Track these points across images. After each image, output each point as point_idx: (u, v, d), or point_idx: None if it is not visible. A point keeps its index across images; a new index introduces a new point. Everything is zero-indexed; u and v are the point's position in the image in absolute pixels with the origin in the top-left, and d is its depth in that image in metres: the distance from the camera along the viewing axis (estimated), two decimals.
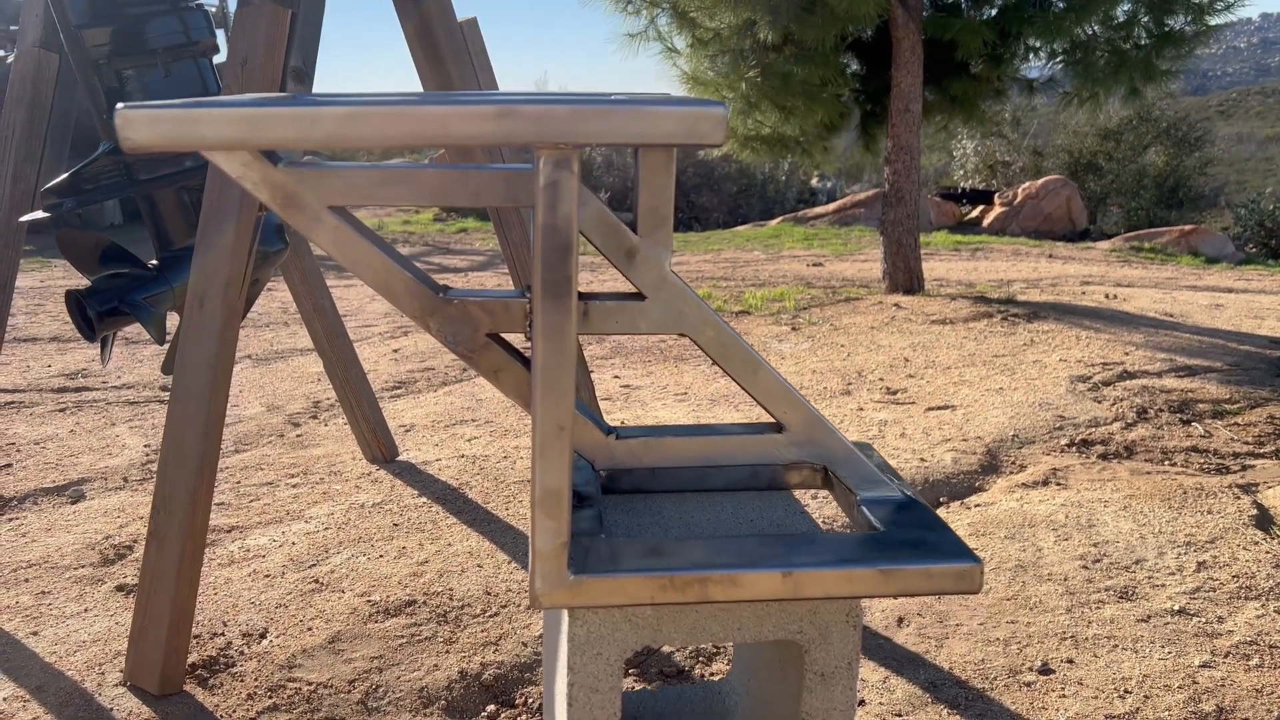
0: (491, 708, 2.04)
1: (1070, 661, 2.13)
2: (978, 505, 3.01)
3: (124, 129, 0.87)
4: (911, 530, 1.15)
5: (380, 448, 3.44)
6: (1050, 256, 10.09)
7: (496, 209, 2.65)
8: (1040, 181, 14.18)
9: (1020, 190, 14.04)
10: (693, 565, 1.06)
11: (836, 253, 10.00)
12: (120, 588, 2.52)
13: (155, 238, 2.56)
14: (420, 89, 2.48)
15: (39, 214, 2.45)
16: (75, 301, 2.44)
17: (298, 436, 3.78)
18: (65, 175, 2.45)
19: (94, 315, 2.42)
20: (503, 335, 1.15)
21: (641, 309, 1.15)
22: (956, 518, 2.91)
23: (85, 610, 2.40)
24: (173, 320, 2.55)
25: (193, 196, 2.55)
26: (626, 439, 1.23)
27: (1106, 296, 6.95)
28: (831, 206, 14.20)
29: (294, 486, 3.21)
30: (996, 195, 14.40)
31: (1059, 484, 3.15)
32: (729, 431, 1.26)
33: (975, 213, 14.16)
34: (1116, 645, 2.19)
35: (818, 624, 1.13)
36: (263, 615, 2.34)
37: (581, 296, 1.17)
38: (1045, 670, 2.10)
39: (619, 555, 1.07)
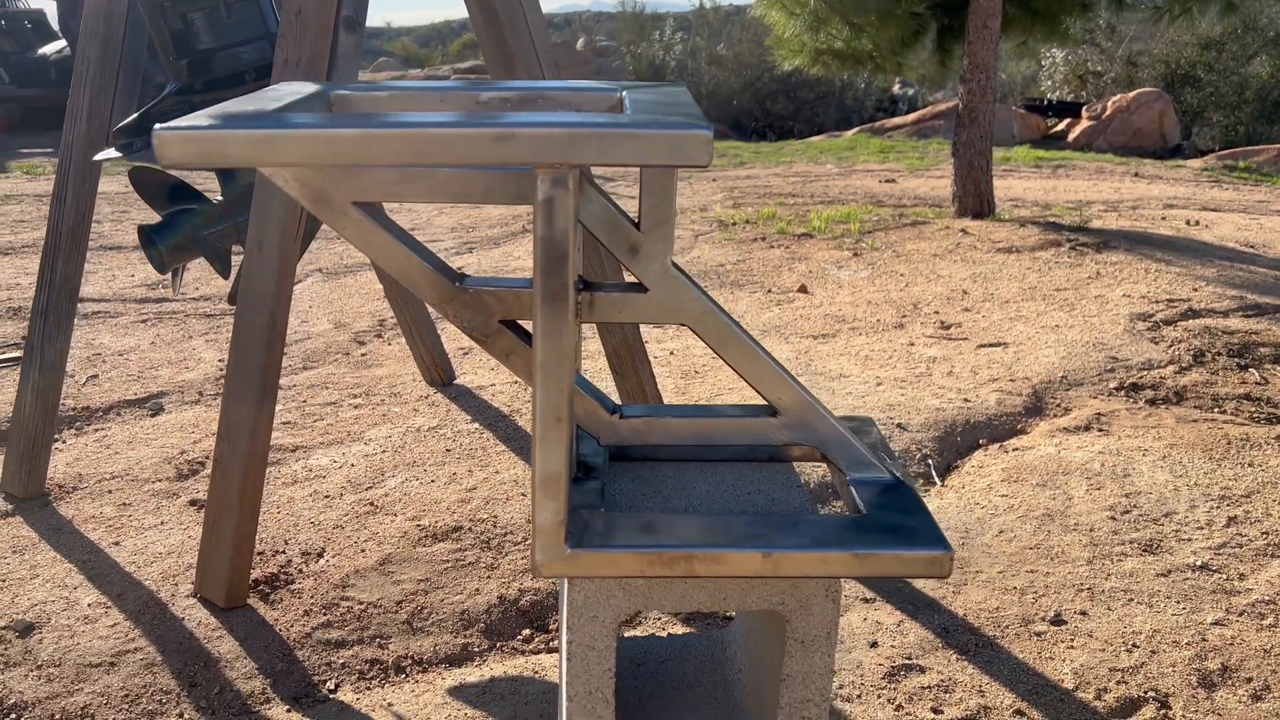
0: (527, 632, 2.19)
1: (1083, 613, 2.19)
2: (1015, 449, 3.04)
3: (160, 148, 0.96)
4: (893, 514, 1.22)
5: (438, 372, 3.58)
6: (1135, 175, 9.75)
7: None
8: (1132, 94, 13.58)
9: (1110, 103, 13.48)
10: (680, 543, 1.15)
11: (912, 168, 9.80)
12: (193, 502, 2.72)
13: (220, 175, 2.68)
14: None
15: (111, 152, 2.58)
16: (146, 235, 2.58)
17: (362, 355, 3.95)
18: (135, 115, 2.57)
19: (163, 249, 2.56)
20: (515, 320, 1.23)
21: (644, 300, 1.22)
22: (993, 461, 2.96)
23: (161, 523, 2.61)
24: (238, 254, 2.69)
25: None
26: (630, 418, 1.31)
27: (1187, 223, 6.74)
28: (911, 117, 13.82)
29: (356, 408, 3.38)
30: (1084, 108, 13.85)
31: (1101, 430, 3.16)
32: (725, 414, 1.33)
33: (1061, 126, 13.67)
34: (1132, 599, 2.24)
35: (799, 597, 1.22)
36: (321, 535, 2.52)
37: (588, 286, 1.25)
38: (1057, 621, 2.17)
39: (613, 531, 1.16)
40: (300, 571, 2.36)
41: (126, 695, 1.97)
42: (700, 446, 1.39)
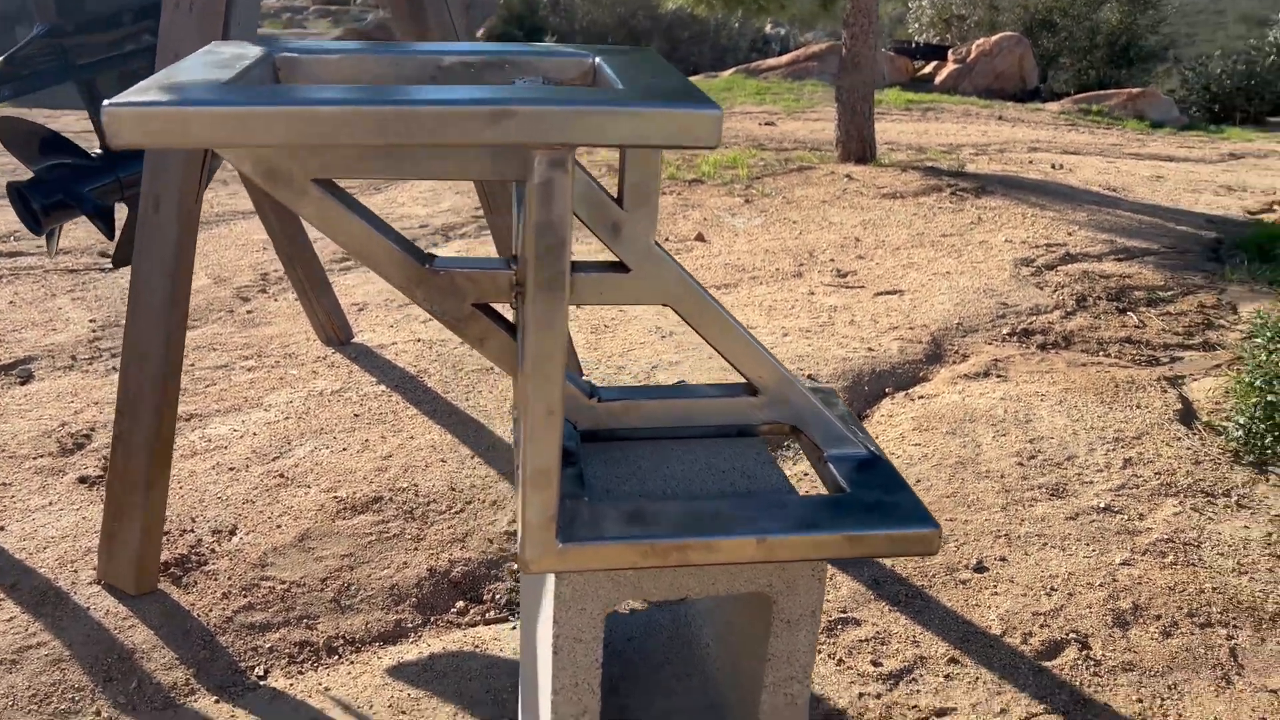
0: (461, 604, 2.14)
1: (1003, 560, 2.28)
2: (922, 397, 3.13)
3: (111, 127, 0.85)
4: (874, 491, 1.22)
5: (334, 330, 3.43)
6: (1000, 119, 10.08)
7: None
8: (995, 38, 13.99)
9: (974, 47, 13.86)
10: (673, 532, 1.12)
11: (789, 110, 9.87)
12: (82, 479, 2.54)
13: (98, 126, 2.47)
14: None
15: None
16: (17, 193, 2.36)
17: (248, 314, 3.75)
18: None
19: (38, 209, 2.35)
20: (489, 304, 1.16)
21: (625, 280, 1.17)
22: (902, 410, 3.03)
23: (49, 504, 2.43)
24: (121, 211, 2.49)
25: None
26: (608, 402, 1.27)
27: (1053, 167, 7.01)
28: (785, 59, 13.90)
29: (249, 370, 3.21)
30: (950, 51, 14.20)
31: (999, 376, 3.27)
32: (705, 394, 1.30)
33: (929, 69, 13.98)
34: (1046, 543, 2.34)
35: (786, 579, 1.21)
36: (231, 511, 2.39)
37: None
38: (980, 568, 2.25)
39: (602, 522, 1.13)
40: (213, 551, 2.24)
41: (34, 695, 1.84)
42: (671, 423, 1.36)
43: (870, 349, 3.44)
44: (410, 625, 2.07)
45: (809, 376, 3.19)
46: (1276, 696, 1.89)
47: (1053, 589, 2.18)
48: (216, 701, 1.84)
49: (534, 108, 0.90)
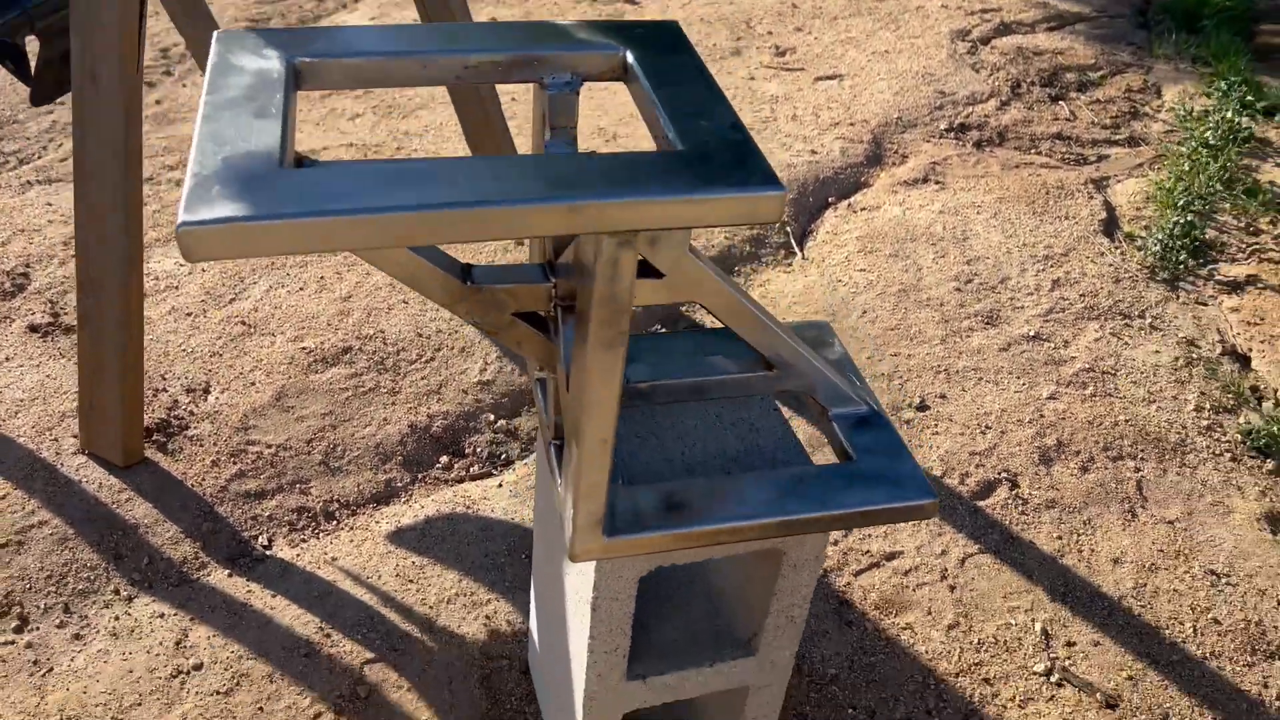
0: (445, 459, 2.25)
1: (943, 397, 2.48)
2: (864, 209, 3.20)
3: (189, 246, 0.83)
4: (880, 459, 1.33)
5: None
6: None
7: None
8: None
9: None
10: (705, 519, 1.23)
11: None
12: (33, 328, 2.49)
13: None
14: None
15: None
16: None
17: (158, 105, 3.52)
18: None
19: None
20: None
21: (659, 285, 1.20)
22: (845, 226, 3.11)
23: (4, 360, 2.40)
24: (33, 45, 2.28)
25: None
26: (635, 383, 1.33)
27: None
28: None
29: (178, 184, 3.08)
30: None
31: (937, 182, 3.35)
32: (726, 371, 1.37)
33: None
34: (981, 378, 2.54)
35: (798, 538, 1.34)
36: (200, 367, 2.40)
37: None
38: (922, 407, 2.44)
39: (641, 514, 1.22)
40: (192, 414, 2.28)
41: (49, 576, 1.93)
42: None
43: (814, 151, 3.46)
44: (400, 485, 2.18)
45: None
46: (1173, 528, 2.18)
47: (987, 427, 2.39)
48: (229, 575, 1.96)
49: (607, 201, 0.90)
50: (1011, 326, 2.72)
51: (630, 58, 1.15)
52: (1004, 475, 2.27)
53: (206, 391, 2.34)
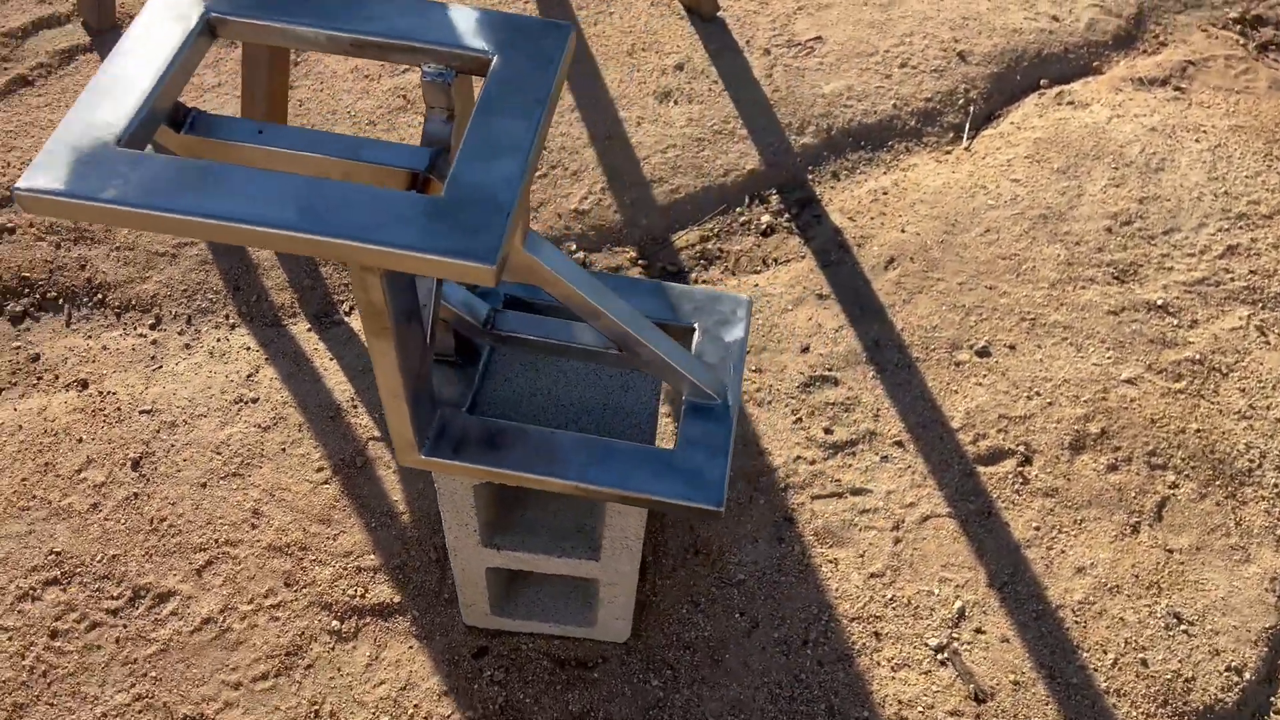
0: None
1: (1011, 348, 2.38)
2: (1070, 103, 2.90)
3: (21, 202, 1.09)
4: (699, 454, 1.45)
5: None
6: None
7: None
8: None
9: None
10: (514, 465, 1.43)
11: None
12: None
13: None
14: None
15: None
16: None
17: None
18: None
19: None
20: None
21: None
22: (1035, 120, 2.85)
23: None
24: None
25: None
26: (497, 330, 1.50)
27: None
28: None
29: None
30: None
31: (1176, 89, 2.94)
32: (585, 341, 1.50)
33: None
34: (1066, 339, 2.40)
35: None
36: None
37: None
38: (983, 352, 2.38)
39: (464, 443, 1.45)
40: None
41: (185, 290, 2.44)
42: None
43: (1055, 18, 3.10)
44: None
45: (959, 54, 2.98)
46: (1168, 557, 2.10)
47: (1036, 394, 2.31)
48: (309, 330, 2.39)
49: (337, 240, 1.06)
50: (1141, 288, 2.49)
51: (494, 64, 1.23)
52: (1020, 449, 2.23)
53: None
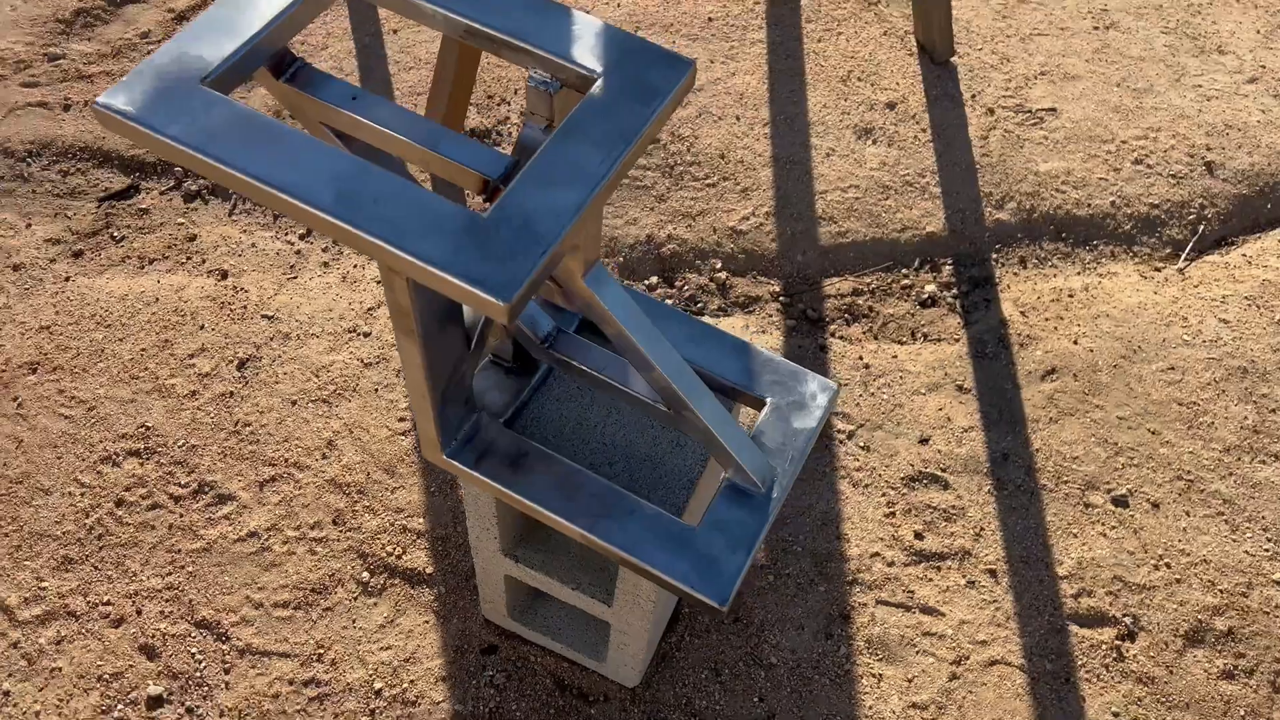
0: (654, 279, 2.43)
1: (1155, 506, 2.11)
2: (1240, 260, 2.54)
3: (98, 116, 1.10)
4: (720, 541, 1.34)
5: None
6: None
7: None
8: None
9: None
10: (523, 492, 1.37)
11: None
12: None
13: None
14: None
15: None
16: None
17: None
18: None
19: None
20: None
21: (559, 290, 1.26)
22: (1264, 262, 2.50)
23: None
24: None
25: None
26: (554, 350, 1.42)
27: None
28: None
29: None
30: None
31: None
32: (636, 386, 1.40)
33: None
34: (1222, 515, 2.10)
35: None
36: None
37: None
38: (1120, 501, 2.12)
39: (486, 455, 1.39)
40: None
41: None
42: None
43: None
44: None
45: (1206, 164, 2.65)
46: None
47: (1166, 564, 2.04)
48: None
49: (367, 237, 1.01)
50: None
51: (596, 85, 1.15)
52: (1127, 620, 1.97)
53: None
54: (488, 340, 1.35)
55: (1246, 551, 2.06)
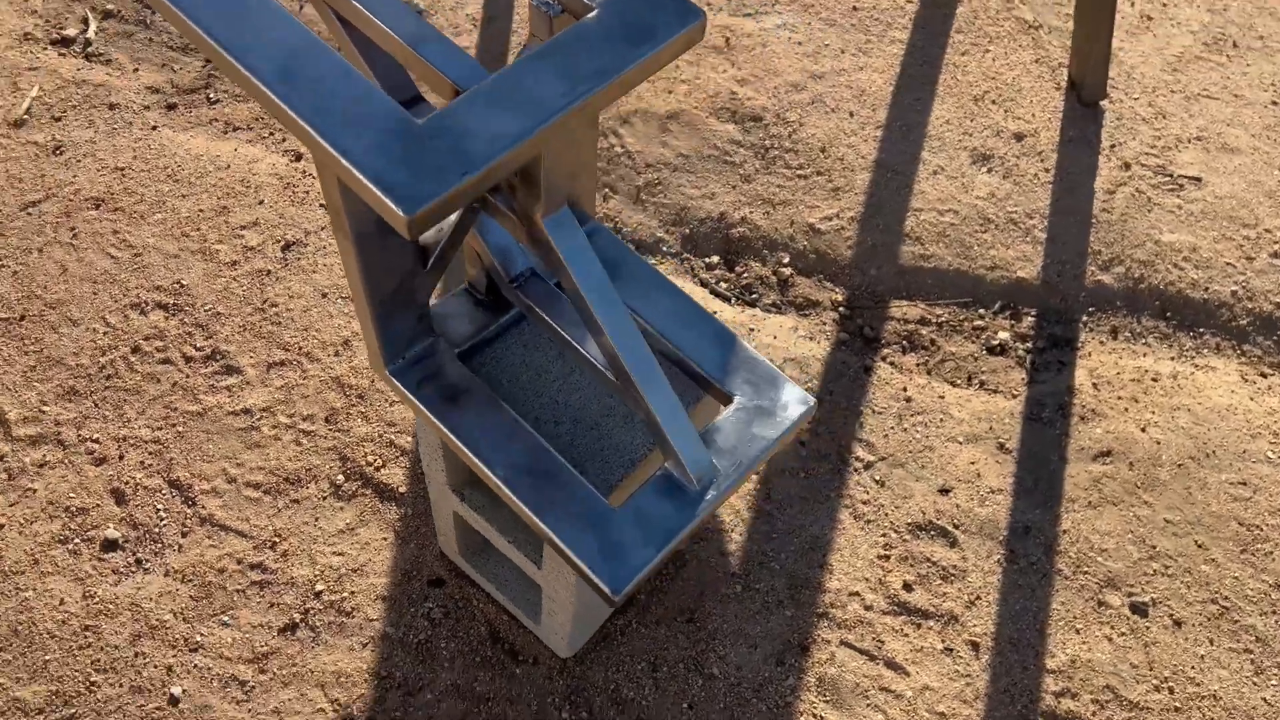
0: (714, 258, 2.33)
1: (1177, 624, 1.91)
2: None
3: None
4: (636, 531, 1.25)
5: None
6: None
7: None
8: None
9: None
10: (454, 426, 1.31)
11: None
12: None
13: None
14: None
15: None
16: None
17: None
18: None
19: None
20: None
21: (523, 229, 1.19)
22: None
23: None
24: None
25: None
26: (526, 298, 1.35)
27: None
28: None
29: None
30: None
31: None
32: (592, 350, 1.32)
33: None
34: (1248, 652, 1.89)
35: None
36: None
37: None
38: (1139, 609, 1.92)
39: (425, 379, 1.33)
40: None
41: None
42: None
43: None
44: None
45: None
46: None
47: (1169, 689, 1.84)
48: None
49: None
50: None
51: (591, 16, 1.06)
52: None
53: None
54: (449, 261, 1.29)
55: (1265, 699, 1.84)
